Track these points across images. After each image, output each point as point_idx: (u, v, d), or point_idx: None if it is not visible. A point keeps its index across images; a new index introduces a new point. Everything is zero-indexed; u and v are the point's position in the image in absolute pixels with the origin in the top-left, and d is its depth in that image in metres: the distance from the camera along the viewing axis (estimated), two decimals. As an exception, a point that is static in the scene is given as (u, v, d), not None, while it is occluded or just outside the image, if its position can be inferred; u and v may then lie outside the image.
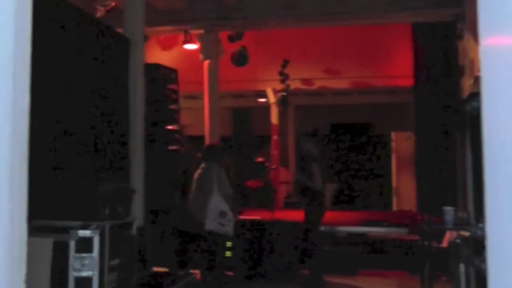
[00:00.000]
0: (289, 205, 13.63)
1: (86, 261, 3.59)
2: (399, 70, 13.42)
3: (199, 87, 14.55)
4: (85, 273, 3.59)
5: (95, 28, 4.97)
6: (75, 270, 3.58)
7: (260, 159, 14.26)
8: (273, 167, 13.92)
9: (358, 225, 8.63)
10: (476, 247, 4.08)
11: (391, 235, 8.42)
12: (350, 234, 8.50)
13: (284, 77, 13.67)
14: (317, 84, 14.38)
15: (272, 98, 14.52)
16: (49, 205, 3.75)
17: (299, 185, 7.53)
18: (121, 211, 4.24)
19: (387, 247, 8.31)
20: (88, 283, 3.60)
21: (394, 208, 13.94)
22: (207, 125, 9.90)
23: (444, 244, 7.50)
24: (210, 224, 6.29)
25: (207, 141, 8.46)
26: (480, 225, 4.25)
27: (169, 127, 9.00)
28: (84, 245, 3.60)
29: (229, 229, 6.31)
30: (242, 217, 8.23)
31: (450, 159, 10.28)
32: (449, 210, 4.66)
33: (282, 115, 15.24)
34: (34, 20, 1.72)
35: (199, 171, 6.70)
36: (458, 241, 4.37)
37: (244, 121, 14.36)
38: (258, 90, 14.98)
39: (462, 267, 4.21)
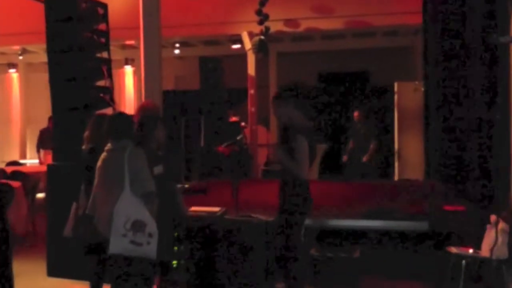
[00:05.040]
0: (268, 174, 11.44)
1: None
2: (405, 5, 11.08)
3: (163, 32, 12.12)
4: None
5: None
6: None
7: (234, 118, 11.90)
8: (244, 125, 11.60)
9: (359, 217, 6.25)
10: None
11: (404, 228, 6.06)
12: (346, 230, 6.14)
13: (263, 18, 11.45)
14: (303, 26, 12.16)
15: (248, 44, 12.07)
16: None
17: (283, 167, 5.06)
18: None
19: (399, 247, 5.98)
20: None
21: (396, 175, 11.62)
22: (143, 81, 7.38)
23: (485, 252, 5.18)
24: (116, 244, 3.84)
25: (144, 104, 5.85)
26: None
27: (95, 83, 6.52)
28: None
29: (149, 249, 3.85)
30: (194, 209, 5.79)
31: (470, 116, 7.91)
32: None
33: (261, 65, 12.91)
34: None
35: (103, 155, 4.20)
36: None
37: (215, 72, 11.93)
38: (231, 35, 12.69)
39: None
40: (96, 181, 4.18)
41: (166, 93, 14.57)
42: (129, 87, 14.67)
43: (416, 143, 11.15)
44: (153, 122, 4.56)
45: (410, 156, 11.29)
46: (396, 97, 11.63)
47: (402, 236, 5.97)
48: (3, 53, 15.26)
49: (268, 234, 5.17)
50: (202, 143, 12.22)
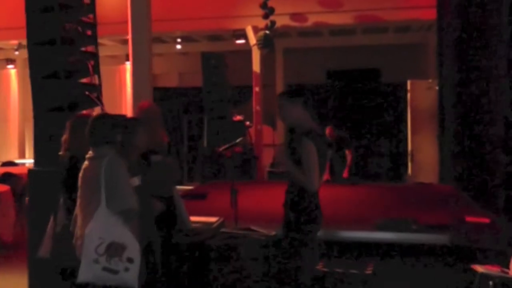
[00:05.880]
0: (274, 176, 10.89)
1: None
2: (418, -1, 10.63)
3: (164, 26, 11.65)
4: None
5: None
6: None
7: (238, 117, 11.33)
8: (248, 124, 11.06)
9: (371, 229, 5.63)
10: None
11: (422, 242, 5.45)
12: (357, 243, 5.53)
13: (268, 12, 11.00)
14: (311, 20, 11.65)
15: (253, 39, 11.53)
16: None
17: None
18: None
19: (417, 263, 5.37)
20: None
21: (408, 178, 11.01)
22: (131, 78, 6.80)
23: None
24: (86, 271, 3.26)
25: (139, 104, 5.18)
26: None
27: (80, 80, 5.92)
28: None
29: (128, 277, 3.26)
30: (198, 219, 5.21)
31: (490, 116, 7.34)
32: None
33: (266, 61, 12.39)
34: None
35: (84, 163, 3.62)
36: None
37: (218, 69, 11.37)
38: (235, 29, 12.20)
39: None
40: (78, 192, 3.61)
41: (168, 91, 14.17)
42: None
43: (430, 144, 10.55)
44: (132, 126, 3.95)
45: (424, 158, 10.68)
46: (409, 95, 11.02)
47: (420, 250, 5.36)
48: (0, 48, 14.77)
49: (269, 251, 4.56)
50: (205, 143, 11.69)
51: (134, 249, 3.32)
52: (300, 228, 4.07)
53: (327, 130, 9.21)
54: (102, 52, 13.43)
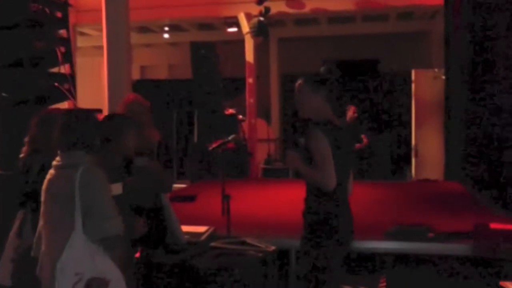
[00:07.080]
0: (269, 173, 10.29)
1: None
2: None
3: (153, 13, 10.99)
4: None
5: None
6: None
7: (230, 111, 10.66)
8: (241, 118, 10.41)
9: (381, 237, 4.96)
10: None
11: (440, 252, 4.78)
12: (367, 255, 4.87)
13: None
14: (308, 7, 10.98)
15: (246, 27, 10.84)
16: None
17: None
18: None
19: (435, 278, 4.71)
20: None
21: (413, 175, 10.37)
22: (105, 70, 6.09)
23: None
24: None
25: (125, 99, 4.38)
26: None
27: (49, 69, 5.22)
28: None
29: None
30: (185, 229, 4.50)
31: (500, 107, 6.74)
32: None
33: (260, 51, 11.67)
34: None
35: (49, 173, 2.90)
36: None
37: (208, 59, 10.64)
38: (226, 17, 11.49)
39: None
40: (41, 209, 2.88)
41: (157, 83, 13.44)
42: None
43: (435, 138, 9.93)
44: (119, 125, 3.24)
45: (428, 153, 10.03)
46: (413, 86, 10.33)
47: (438, 262, 4.70)
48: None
49: (268, 270, 3.88)
50: (195, 139, 11.01)
51: (118, 283, 2.68)
52: (314, 244, 3.37)
53: (351, 109, 8.81)
54: (86, 43, 12.75)
